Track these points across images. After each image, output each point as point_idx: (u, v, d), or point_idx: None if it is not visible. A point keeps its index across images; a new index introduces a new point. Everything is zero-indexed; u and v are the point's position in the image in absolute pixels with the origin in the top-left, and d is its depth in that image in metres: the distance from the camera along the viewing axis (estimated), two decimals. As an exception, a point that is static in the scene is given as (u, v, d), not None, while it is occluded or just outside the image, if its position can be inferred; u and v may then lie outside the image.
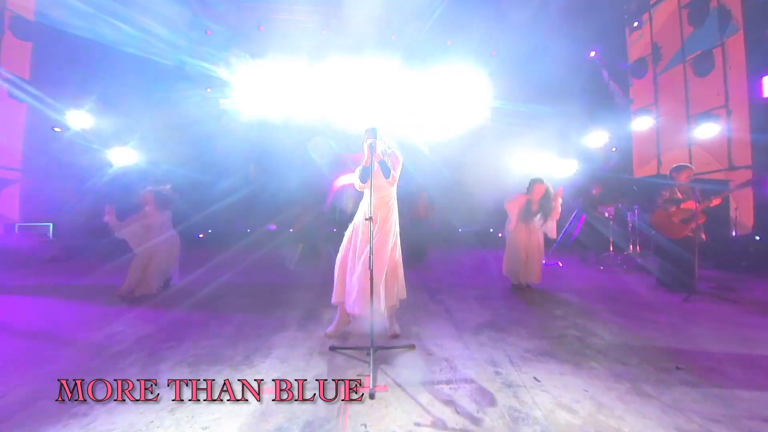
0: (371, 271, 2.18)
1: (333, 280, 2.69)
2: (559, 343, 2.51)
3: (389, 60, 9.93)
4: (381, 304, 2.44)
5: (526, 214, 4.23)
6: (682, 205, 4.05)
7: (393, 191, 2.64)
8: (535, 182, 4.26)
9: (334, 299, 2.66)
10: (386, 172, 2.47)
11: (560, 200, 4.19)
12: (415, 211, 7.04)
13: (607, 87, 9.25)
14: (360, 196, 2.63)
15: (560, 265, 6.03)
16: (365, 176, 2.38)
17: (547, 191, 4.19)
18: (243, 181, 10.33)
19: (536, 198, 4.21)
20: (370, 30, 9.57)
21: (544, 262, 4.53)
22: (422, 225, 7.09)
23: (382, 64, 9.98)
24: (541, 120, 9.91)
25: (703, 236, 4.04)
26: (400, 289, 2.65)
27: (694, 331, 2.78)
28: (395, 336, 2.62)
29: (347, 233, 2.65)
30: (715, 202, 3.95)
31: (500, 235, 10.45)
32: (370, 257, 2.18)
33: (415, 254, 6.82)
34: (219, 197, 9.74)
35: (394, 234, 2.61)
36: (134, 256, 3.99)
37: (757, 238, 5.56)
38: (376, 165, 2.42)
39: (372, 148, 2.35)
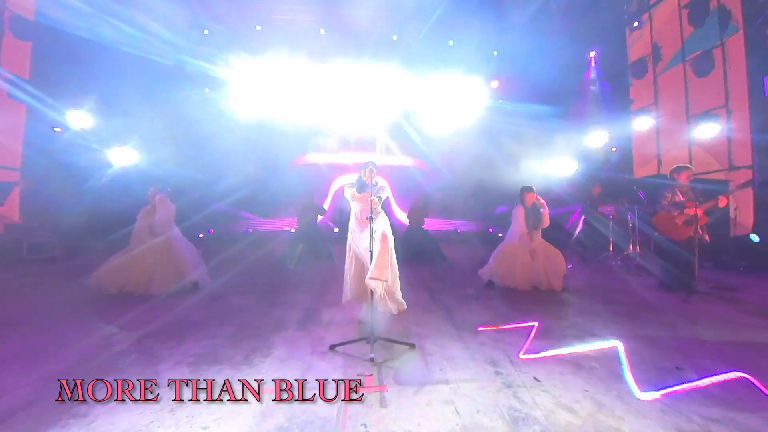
0: (371, 251, 2.44)
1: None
2: (559, 343, 2.51)
3: (390, 59, 9.93)
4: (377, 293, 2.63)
5: (532, 222, 4.29)
6: (685, 209, 4.04)
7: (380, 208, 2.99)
8: (525, 190, 4.35)
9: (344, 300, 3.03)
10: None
11: (546, 210, 4.31)
12: (413, 219, 7.15)
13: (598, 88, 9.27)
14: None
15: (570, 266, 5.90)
16: (361, 188, 2.78)
17: (536, 200, 4.31)
18: (243, 181, 10.34)
19: (528, 205, 4.31)
20: (369, 29, 9.58)
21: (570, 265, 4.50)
22: (421, 229, 7.13)
23: (382, 64, 9.98)
24: (541, 120, 9.91)
25: (707, 237, 4.03)
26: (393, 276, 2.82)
27: (694, 331, 2.78)
28: (400, 312, 2.86)
29: (348, 243, 2.99)
30: (722, 203, 3.91)
31: (500, 235, 10.45)
32: (370, 252, 2.42)
33: (429, 255, 6.84)
34: (219, 197, 9.75)
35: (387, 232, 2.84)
36: (126, 251, 4.04)
37: (756, 239, 5.55)
38: (369, 185, 2.75)
39: (373, 172, 2.77)
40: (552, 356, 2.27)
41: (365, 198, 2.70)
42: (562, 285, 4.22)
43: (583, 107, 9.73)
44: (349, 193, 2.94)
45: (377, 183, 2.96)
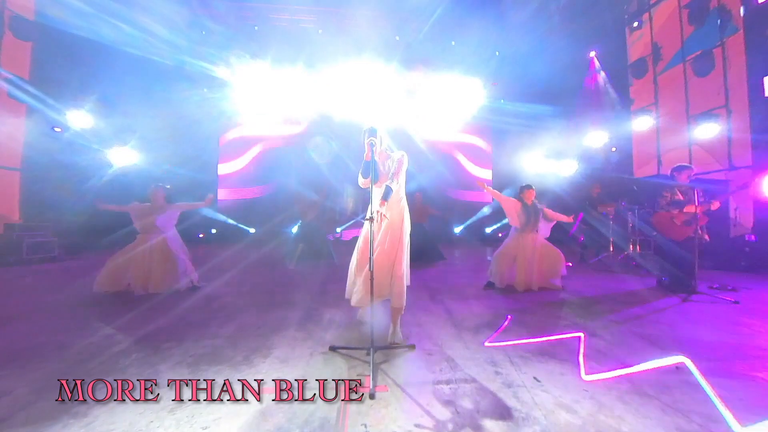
0: (371, 273, 2.17)
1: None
2: (559, 343, 2.51)
3: (390, 59, 9.92)
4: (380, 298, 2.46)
5: (524, 220, 4.27)
6: (684, 209, 4.05)
7: (401, 192, 2.56)
8: (525, 188, 4.33)
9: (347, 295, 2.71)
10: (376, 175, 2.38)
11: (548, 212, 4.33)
12: (413, 215, 7.09)
13: (605, 88, 9.25)
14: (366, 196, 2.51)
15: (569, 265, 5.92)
16: (366, 172, 2.34)
17: (534, 200, 4.31)
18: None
19: (528, 203, 4.30)
20: (369, 30, 9.58)
21: (569, 264, 4.48)
22: (421, 228, 7.11)
23: (383, 64, 9.97)
24: (541, 120, 9.92)
25: (706, 237, 4.04)
26: (399, 293, 2.48)
27: (694, 331, 2.78)
28: (394, 344, 2.46)
29: (362, 231, 2.58)
30: (715, 206, 3.93)
31: (500, 235, 10.46)
32: (370, 257, 2.17)
33: (429, 255, 6.82)
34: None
35: (405, 234, 2.53)
36: (122, 252, 4.04)
37: (753, 239, 5.55)
38: (378, 163, 2.38)
39: (372, 146, 2.29)
40: (550, 356, 2.27)
41: (380, 184, 2.22)
42: (560, 285, 4.24)
43: (583, 107, 9.72)
44: (360, 182, 2.45)
45: (391, 161, 2.42)
